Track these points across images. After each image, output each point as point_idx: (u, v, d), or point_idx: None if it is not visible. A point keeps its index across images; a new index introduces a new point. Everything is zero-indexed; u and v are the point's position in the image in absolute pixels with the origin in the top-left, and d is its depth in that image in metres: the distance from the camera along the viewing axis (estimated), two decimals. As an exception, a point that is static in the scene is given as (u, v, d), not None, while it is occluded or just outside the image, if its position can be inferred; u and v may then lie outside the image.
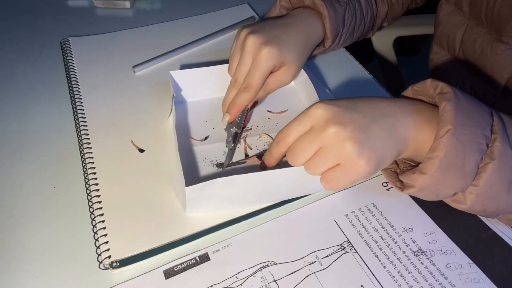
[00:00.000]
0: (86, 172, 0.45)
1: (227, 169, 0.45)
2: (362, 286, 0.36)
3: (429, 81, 0.38)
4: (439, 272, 0.37)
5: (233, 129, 0.48)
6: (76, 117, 0.52)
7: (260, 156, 0.46)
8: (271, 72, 0.51)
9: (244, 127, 0.50)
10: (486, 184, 0.35)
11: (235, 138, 0.48)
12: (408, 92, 0.41)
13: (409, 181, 0.37)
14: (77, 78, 0.58)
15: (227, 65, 0.53)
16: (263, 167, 0.43)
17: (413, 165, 0.41)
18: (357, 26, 0.61)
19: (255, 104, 0.50)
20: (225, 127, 0.50)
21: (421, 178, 0.36)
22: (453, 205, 0.38)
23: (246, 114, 0.50)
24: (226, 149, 0.48)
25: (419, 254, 0.39)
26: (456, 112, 0.34)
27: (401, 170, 0.42)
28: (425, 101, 0.40)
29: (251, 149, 0.48)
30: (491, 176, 0.34)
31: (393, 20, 0.69)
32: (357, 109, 0.37)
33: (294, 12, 0.56)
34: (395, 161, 0.42)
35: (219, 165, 0.46)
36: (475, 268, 0.38)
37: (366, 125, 0.36)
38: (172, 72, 0.52)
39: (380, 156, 0.36)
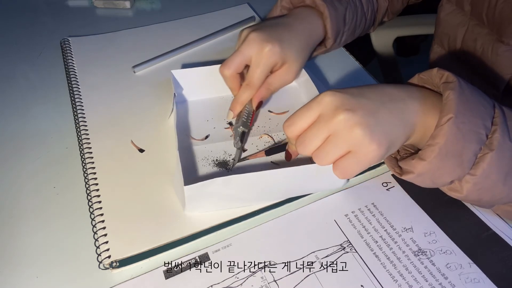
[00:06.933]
0: (86, 172, 0.45)
1: (233, 168, 0.46)
2: (362, 286, 0.36)
3: (435, 70, 0.38)
4: (439, 272, 0.37)
5: (240, 129, 0.48)
6: (76, 117, 0.52)
7: (268, 151, 0.46)
8: (273, 71, 0.51)
9: (251, 126, 0.51)
10: (483, 173, 0.35)
11: (242, 138, 0.48)
12: (414, 80, 0.41)
13: (408, 167, 0.38)
14: (77, 78, 0.58)
15: None
16: (288, 158, 0.43)
17: (413, 152, 0.42)
18: (358, 24, 0.61)
19: (260, 104, 0.51)
20: (228, 122, 0.50)
21: (420, 164, 0.36)
22: (449, 193, 0.38)
23: (252, 114, 0.50)
24: (227, 149, 0.48)
25: (419, 254, 0.39)
26: (458, 101, 0.34)
27: (401, 156, 0.42)
28: (431, 89, 0.40)
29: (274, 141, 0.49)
30: (489, 166, 0.35)
31: (393, 15, 0.69)
32: (365, 95, 0.37)
33: (295, 11, 0.56)
34: None
35: (219, 164, 0.46)
36: (475, 268, 0.37)
37: (375, 110, 0.36)
38: (173, 71, 0.52)
39: (391, 140, 0.36)
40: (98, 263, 0.38)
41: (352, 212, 0.42)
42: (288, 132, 0.38)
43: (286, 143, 0.44)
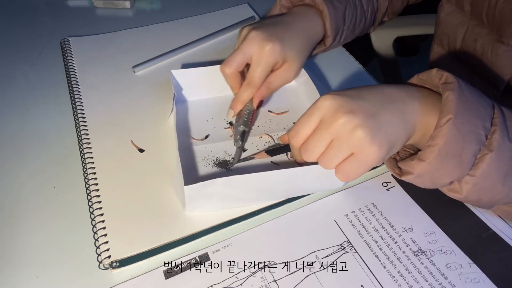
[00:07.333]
0: (86, 172, 0.45)
1: (232, 168, 0.46)
2: (362, 286, 0.36)
3: (434, 70, 0.38)
4: (439, 272, 0.37)
5: (241, 128, 0.49)
6: (76, 117, 0.52)
7: (269, 151, 0.46)
8: (273, 70, 0.51)
9: (252, 125, 0.51)
10: (483, 174, 0.35)
11: (243, 137, 0.48)
12: (414, 80, 0.41)
13: (407, 167, 0.38)
14: (77, 78, 0.58)
15: None
16: (298, 164, 0.43)
17: (412, 152, 0.42)
18: (358, 23, 0.61)
19: (261, 103, 0.51)
20: (228, 122, 0.50)
21: (419, 165, 0.36)
22: (449, 194, 0.38)
23: (253, 113, 0.50)
24: (227, 149, 0.48)
25: (419, 254, 0.39)
26: (458, 102, 0.34)
27: (400, 157, 0.42)
28: (430, 89, 0.40)
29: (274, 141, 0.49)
30: (488, 167, 0.35)
31: (393, 15, 0.70)
32: (364, 97, 0.37)
33: (294, 10, 0.57)
34: None
35: (219, 164, 0.46)
36: (475, 268, 0.38)
37: (376, 112, 0.36)
38: (173, 71, 0.52)
39: (392, 141, 0.36)
40: (98, 263, 0.38)
41: (352, 212, 0.42)
42: (293, 142, 0.38)
43: (287, 144, 0.44)
